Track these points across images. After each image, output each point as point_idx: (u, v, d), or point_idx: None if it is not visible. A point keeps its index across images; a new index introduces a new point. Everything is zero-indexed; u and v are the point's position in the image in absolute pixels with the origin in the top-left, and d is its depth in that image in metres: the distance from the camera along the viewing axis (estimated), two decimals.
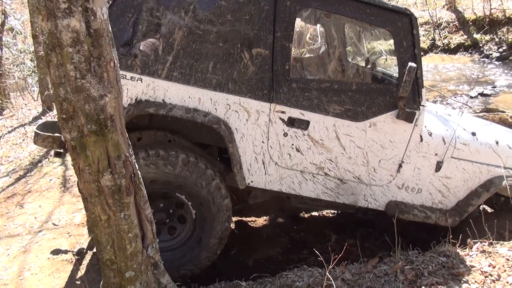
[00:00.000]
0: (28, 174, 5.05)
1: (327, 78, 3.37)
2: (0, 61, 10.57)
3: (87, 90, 1.61)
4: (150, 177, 2.52)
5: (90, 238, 3.42)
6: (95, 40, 1.57)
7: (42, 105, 8.01)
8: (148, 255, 2.07)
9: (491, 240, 2.64)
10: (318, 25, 4.00)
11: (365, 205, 2.87)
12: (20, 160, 5.65)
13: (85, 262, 3.15)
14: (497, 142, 2.96)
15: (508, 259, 2.45)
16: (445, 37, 9.58)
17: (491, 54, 8.65)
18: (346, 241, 3.34)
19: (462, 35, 9.42)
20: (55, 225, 3.74)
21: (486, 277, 2.32)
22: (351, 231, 3.79)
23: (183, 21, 2.40)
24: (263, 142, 2.63)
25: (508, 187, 2.83)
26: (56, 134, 2.64)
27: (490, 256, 2.52)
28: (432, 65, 8.63)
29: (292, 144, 2.64)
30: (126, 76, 2.43)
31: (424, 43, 9.51)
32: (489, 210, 3.38)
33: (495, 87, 7.31)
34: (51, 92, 1.74)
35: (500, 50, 8.63)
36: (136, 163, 1.95)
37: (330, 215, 4.19)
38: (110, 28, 1.65)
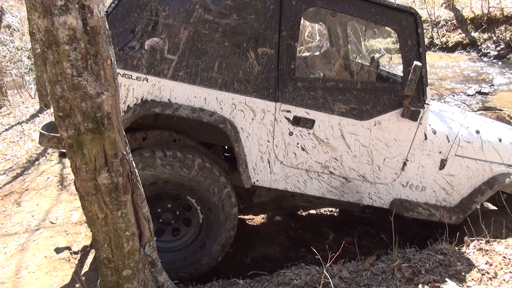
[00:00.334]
0: (25, 172, 5.04)
1: (332, 77, 3.38)
2: None
3: (83, 88, 1.60)
4: (164, 177, 2.54)
5: (88, 236, 3.42)
6: (92, 38, 1.56)
7: (40, 103, 7.98)
8: (146, 254, 2.07)
9: (488, 238, 2.65)
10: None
11: (370, 203, 2.88)
12: (18, 158, 5.63)
13: (83, 260, 3.14)
14: (500, 140, 2.97)
15: (505, 257, 2.46)
16: (443, 36, 9.59)
17: (489, 52, 8.67)
18: (344, 239, 3.36)
19: (460, 33, 9.44)
20: (52, 223, 3.74)
21: (483, 274, 2.33)
22: (348, 229, 3.80)
23: (188, 21, 2.41)
24: (268, 141, 2.63)
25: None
26: None
27: (487, 254, 2.53)
28: (430, 64, 8.64)
29: (298, 143, 2.65)
30: (132, 76, 2.44)
31: None
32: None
33: (492, 85, 7.33)
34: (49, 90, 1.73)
35: (498, 48, 8.65)
36: (132, 162, 1.95)
37: (328, 213, 4.19)
38: (107, 26, 1.64)
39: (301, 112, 2.58)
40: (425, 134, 2.72)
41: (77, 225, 3.66)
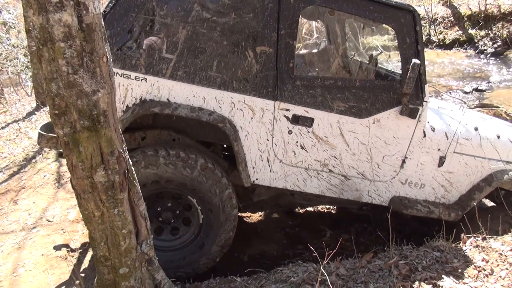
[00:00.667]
0: (22, 170, 5.02)
1: (331, 75, 3.38)
2: None
3: (79, 85, 1.59)
4: (166, 176, 2.54)
5: (85, 234, 3.41)
6: (88, 35, 1.55)
7: (36, 101, 7.94)
8: (142, 251, 2.06)
9: (484, 235, 2.66)
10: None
11: (369, 200, 2.89)
12: (14, 156, 5.60)
13: (80, 258, 3.14)
14: (498, 137, 2.98)
15: (501, 254, 2.47)
16: (440, 33, 9.60)
17: (486, 49, 8.68)
18: (341, 237, 3.37)
19: (457, 30, 9.44)
20: (49, 221, 3.73)
21: (479, 271, 2.34)
22: (346, 226, 3.80)
23: (186, 20, 2.40)
24: (267, 140, 2.63)
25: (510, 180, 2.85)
26: None
27: (483, 251, 2.54)
28: (427, 61, 8.65)
29: (297, 142, 2.65)
30: (130, 76, 2.44)
31: None
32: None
33: (489, 82, 7.35)
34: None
35: (495, 45, 8.65)
36: (129, 159, 1.94)
37: (325, 211, 4.20)
38: (102, 23, 1.63)
39: (300, 110, 2.58)
40: (424, 132, 2.73)
41: (74, 223, 3.65)
